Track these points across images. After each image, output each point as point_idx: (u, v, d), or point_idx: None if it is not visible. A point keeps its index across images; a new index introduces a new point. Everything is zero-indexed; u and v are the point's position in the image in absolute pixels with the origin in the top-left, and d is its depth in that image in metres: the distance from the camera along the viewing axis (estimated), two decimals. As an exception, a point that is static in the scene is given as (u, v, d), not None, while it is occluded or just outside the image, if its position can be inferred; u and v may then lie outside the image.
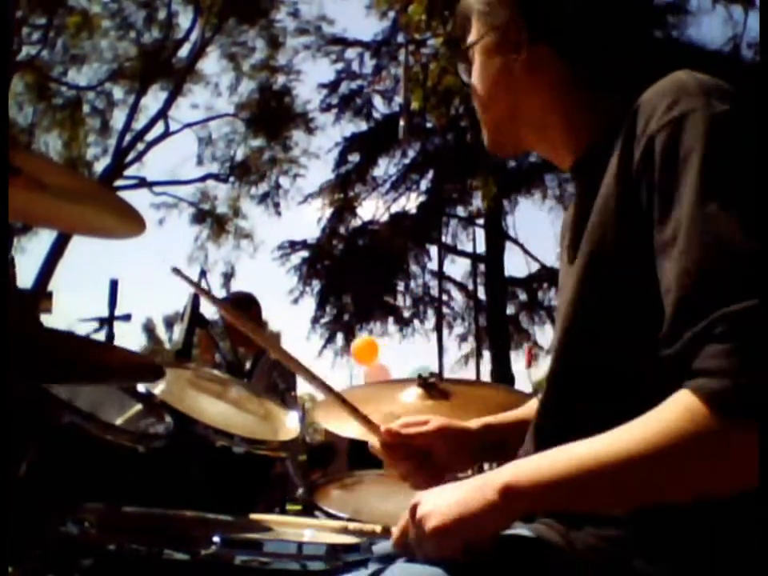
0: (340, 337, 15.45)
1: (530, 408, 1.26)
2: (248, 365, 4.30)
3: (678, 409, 0.77)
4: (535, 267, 14.61)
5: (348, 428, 1.72)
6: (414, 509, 0.89)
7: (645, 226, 0.85)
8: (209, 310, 2.86)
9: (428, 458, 1.22)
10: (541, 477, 0.82)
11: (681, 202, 0.81)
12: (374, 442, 1.25)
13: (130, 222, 1.54)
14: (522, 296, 15.23)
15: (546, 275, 14.29)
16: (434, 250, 14.70)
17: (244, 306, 4.23)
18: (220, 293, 15.46)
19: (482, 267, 14.38)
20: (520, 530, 0.92)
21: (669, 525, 0.82)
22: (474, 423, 1.26)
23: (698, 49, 9.97)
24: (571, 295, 0.94)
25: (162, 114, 16.84)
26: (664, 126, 0.84)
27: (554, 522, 0.88)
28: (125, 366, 1.40)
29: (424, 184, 15.50)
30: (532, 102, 1.06)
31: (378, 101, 15.62)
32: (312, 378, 1.23)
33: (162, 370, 1.59)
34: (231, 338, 4.15)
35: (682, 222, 0.80)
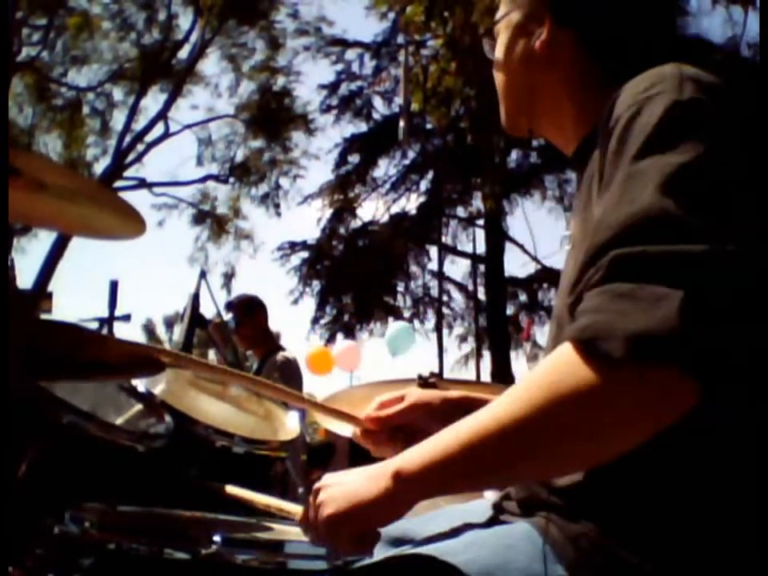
0: (340, 337, 15.44)
1: None
2: (255, 366, 4.31)
3: (550, 361, 0.75)
4: (535, 267, 14.62)
5: (347, 428, 1.72)
6: (316, 492, 0.91)
7: None
8: (209, 311, 2.86)
9: (411, 435, 1.18)
10: (428, 459, 0.82)
11: (622, 172, 0.80)
12: (355, 432, 1.23)
13: (131, 223, 1.53)
14: (522, 296, 15.24)
15: (546, 275, 14.28)
16: (434, 250, 14.71)
17: (248, 308, 4.25)
18: (220, 294, 15.44)
19: (481, 268, 14.40)
20: (520, 523, 0.92)
21: (667, 518, 0.83)
22: (454, 393, 1.24)
23: (714, 47, 9.96)
24: (566, 282, 0.94)
25: (162, 115, 16.84)
26: (630, 106, 0.84)
27: (554, 516, 0.88)
28: (124, 358, 1.40)
29: (424, 185, 15.52)
30: (548, 84, 1.06)
31: (377, 102, 15.66)
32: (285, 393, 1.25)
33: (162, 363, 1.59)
34: (237, 339, 4.16)
35: (614, 190, 0.79)
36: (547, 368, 0.76)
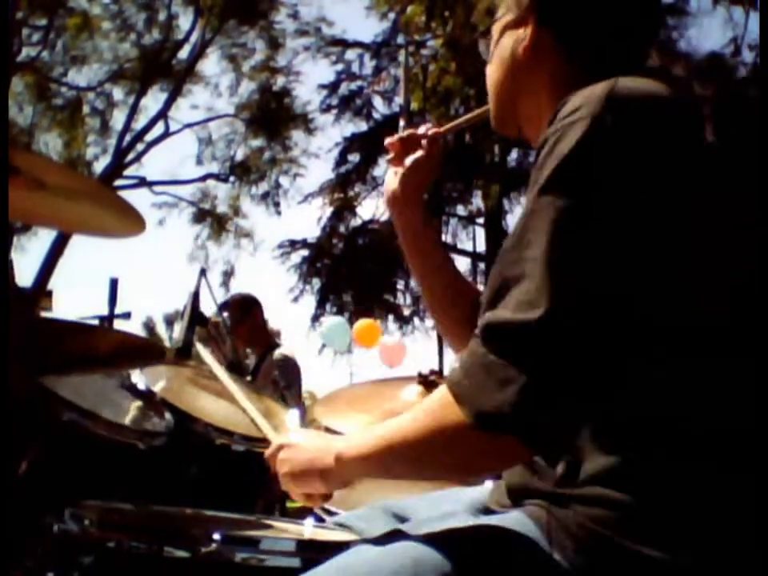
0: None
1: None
2: (252, 363, 4.30)
3: (437, 396, 0.91)
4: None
5: (348, 425, 1.72)
6: (280, 448, 1.13)
7: None
8: (209, 309, 2.86)
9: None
10: (359, 452, 1.01)
11: (527, 211, 0.88)
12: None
13: (131, 221, 1.54)
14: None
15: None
16: (434, 249, 14.67)
17: (245, 307, 4.24)
18: (220, 291, 15.45)
19: (482, 266, 14.40)
20: (512, 512, 0.94)
21: (654, 503, 0.84)
22: None
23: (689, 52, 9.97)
24: None
25: (162, 114, 16.84)
26: (557, 130, 0.88)
27: (543, 503, 0.90)
28: (125, 349, 1.41)
29: (424, 184, 15.49)
30: (531, 84, 1.10)
31: (377, 101, 15.65)
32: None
33: (162, 351, 1.60)
34: (235, 338, 4.17)
35: (515, 229, 0.88)
36: (433, 402, 0.92)
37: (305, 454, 1.08)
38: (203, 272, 2.51)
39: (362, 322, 7.76)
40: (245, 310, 4.20)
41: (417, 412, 0.94)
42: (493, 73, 1.16)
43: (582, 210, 0.84)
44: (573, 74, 1.03)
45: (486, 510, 1.06)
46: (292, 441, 1.13)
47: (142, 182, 17.03)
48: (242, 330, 4.15)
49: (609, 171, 0.84)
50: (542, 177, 0.86)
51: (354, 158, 15.50)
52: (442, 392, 0.90)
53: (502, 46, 1.13)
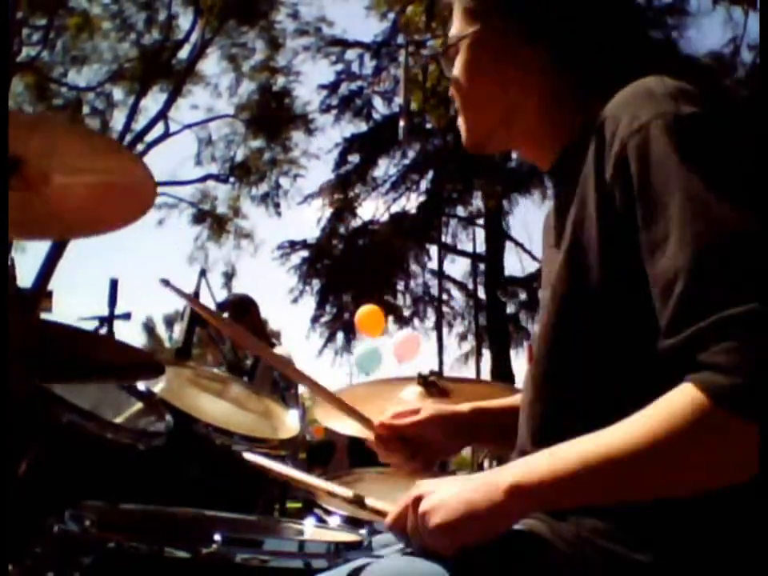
0: (340, 336, 15.48)
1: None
2: (248, 363, 4.30)
3: (682, 402, 0.76)
4: (534, 266, 14.64)
5: (347, 426, 1.72)
6: (417, 500, 0.87)
7: (625, 232, 0.85)
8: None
9: (422, 447, 1.24)
10: (548, 474, 0.81)
11: (667, 204, 0.81)
12: (369, 436, 1.27)
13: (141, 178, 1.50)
14: (522, 295, 15.24)
15: (546, 275, 14.27)
16: (433, 249, 14.74)
17: (242, 307, 4.23)
18: (220, 293, 15.47)
19: (481, 267, 14.41)
20: None
21: (652, 514, 0.83)
22: (465, 406, 1.27)
23: (688, 54, 9.99)
24: (554, 294, 0.95)
25: (162, 115, 16.84)
26: (634, 133, 0.85)
27: (541, 515, 0.89)
28: (126, 361, 1.41)
29: (424, 184, 15.53)
30: (521, 101, 1.05)
31: (377, 102, 15.67)
32: (305, 379, 1.25)
33: (162, 367, 1.59)
34: (232, 339, 4.17)
35: (672, 222, 0.80)
36: (682, 413, 0.76)
37: (460, 496, 0.84)
38: (203, 273, 2.51)
39: (366, 308, 7.37)
40: (241, 310, 4.20)
41: (642, 417, 0.78)
42: (468, 91, 1.09)
43: (733, 187, 0.80)
44: (567, 84, 1.02)
45: None
46: (426, 488, 0.88)
47: (142, 183, 17.01)
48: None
49: (725, 150, 0.84)
50: (665, 180, 0.81)
51: (354, 158, 15.51)
52: (681, 399, 0.76)
53: (477, 62, 1.07)
